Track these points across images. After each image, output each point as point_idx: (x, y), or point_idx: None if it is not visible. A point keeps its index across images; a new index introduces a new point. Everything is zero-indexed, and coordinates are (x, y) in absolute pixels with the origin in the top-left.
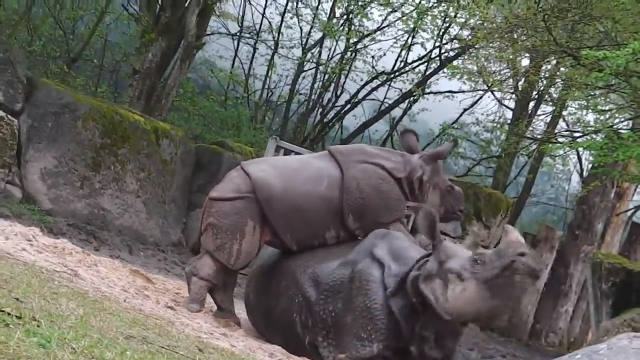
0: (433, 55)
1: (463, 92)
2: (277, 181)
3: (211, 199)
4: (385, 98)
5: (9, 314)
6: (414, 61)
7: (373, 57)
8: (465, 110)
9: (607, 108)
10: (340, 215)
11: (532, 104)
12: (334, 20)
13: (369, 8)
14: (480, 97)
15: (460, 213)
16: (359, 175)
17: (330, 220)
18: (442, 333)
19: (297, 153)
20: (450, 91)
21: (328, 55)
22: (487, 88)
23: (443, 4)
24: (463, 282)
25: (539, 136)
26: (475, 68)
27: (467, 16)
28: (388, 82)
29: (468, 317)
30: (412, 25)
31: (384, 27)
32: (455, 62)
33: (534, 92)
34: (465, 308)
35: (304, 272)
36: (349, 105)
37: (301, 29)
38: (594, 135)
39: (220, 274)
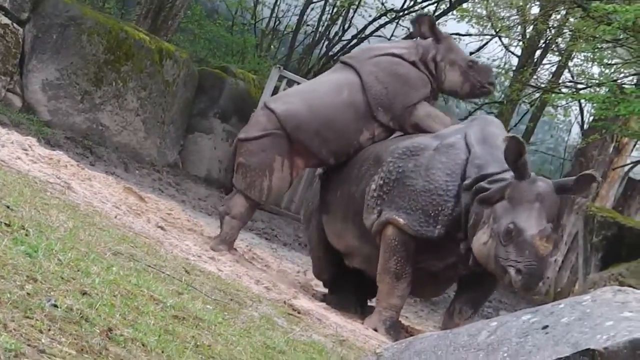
0: None
1: (470, 35)
2: (301, 106)
3: (239, 140)
4: (392, 36)
5: None
6: (423, 1)
7: None
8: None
9: (612, 62)
10: (370, 114)
11: (538, 52)
12: None
13: None
14: (487, 42)
15: (489, 86)
16: (373, 69)
17: (361, 123)
18: None
19: (299, 84)
20: (457, 34)
21: None
22: (494, 33)
23: None
24: (489, 239)
25: (542, 85)
26: (484, 12)
27: None
28: (396, 20)
29: (479, 261)
30: None
31: None
32: (464, 5)
33: (541, 41)
34: (477, 255)
35: (387, 150)
36: (355, 40)
37: None
38: (598, 88)
39: (252, 211)
